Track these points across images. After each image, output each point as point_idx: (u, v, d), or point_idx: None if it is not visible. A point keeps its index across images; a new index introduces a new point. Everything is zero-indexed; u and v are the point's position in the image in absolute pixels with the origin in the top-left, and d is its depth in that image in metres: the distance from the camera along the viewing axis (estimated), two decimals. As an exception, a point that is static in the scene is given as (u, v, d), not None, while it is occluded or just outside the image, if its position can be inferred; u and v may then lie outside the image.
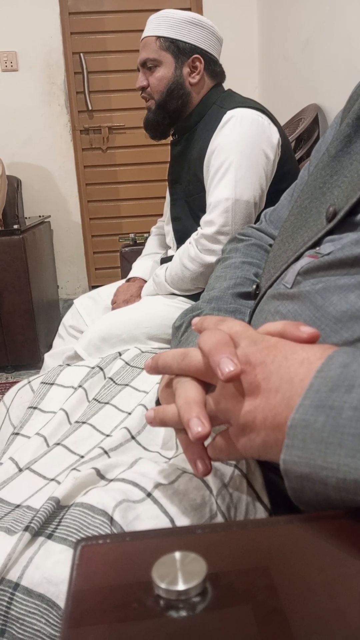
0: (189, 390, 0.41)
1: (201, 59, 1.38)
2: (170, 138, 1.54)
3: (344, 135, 0.56)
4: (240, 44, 3.07)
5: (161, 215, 1.72)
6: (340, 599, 0.25)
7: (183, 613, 0.24)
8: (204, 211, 1.35)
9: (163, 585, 0.25)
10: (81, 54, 3.04)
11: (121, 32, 3.05)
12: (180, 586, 0.24)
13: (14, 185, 2.81)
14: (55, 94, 3.08)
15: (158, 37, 1.37)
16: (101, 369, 0.82)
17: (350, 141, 0.55)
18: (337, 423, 0.31)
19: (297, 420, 0.33)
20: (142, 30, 1.42)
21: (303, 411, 0.33)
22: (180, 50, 1.37)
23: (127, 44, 3.03)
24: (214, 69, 1.43)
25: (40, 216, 2.92)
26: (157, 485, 0.49)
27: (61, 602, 0.41)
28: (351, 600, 0.25)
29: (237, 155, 1.29)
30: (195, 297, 1.38)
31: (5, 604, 0.42)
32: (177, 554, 0.26)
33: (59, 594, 0.41)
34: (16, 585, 0.43)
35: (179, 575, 0.25)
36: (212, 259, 1.30)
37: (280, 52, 2.75)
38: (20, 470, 0.61)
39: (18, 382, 0.85)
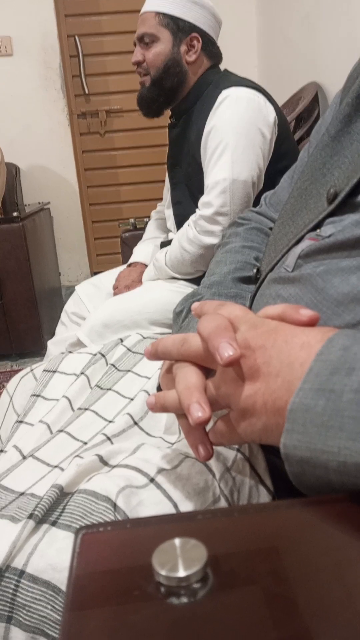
0: (189, 376, 0.41)
1: (199, 38, 1.36)
2: (169, 121, 1.52)
3: (344, 115, 0.55)
4: (239, 21, 3.01)
5: (161, 199, 1.71)
6: (344, 582, 0.25)
7: (184, 599, 0.24)
8: (203, 193, 1.34)
9: (163, 572, 0.25)
10: (76, 37, 2.99)
11: (116, 13, 2.99)
12: (181, 573, 0.24)
13: (13, 172, 2.78)
14: (51, 79, 3.04)
15: (158, 13, 1.35)
16: (103, 355, 0.82)
17: (350, 121, 0.54)
18: (338, 406, 0.31)
19: (297, 404, 0.32)
20: (137, 11, 1.39)
21: (303, 395, 0.32)
22: (179, 28, 1.35)
23: (123, 25, 2.97)
24: (211, 49, 1.41)
25: (39, 203, 2.91)
26: (160, 471, 0.49)
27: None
28: (354, 583, 0.25)
29: (233, 135, 1.27)
30: (196, 281, 1.38)
31: (11, 591, 0.42)
32: (177, 541, 0.26)
33: (64, 580, 0.42)
34: (21, 573, 0.43)
35: (180, 561, 0.25)
36: (211, 240, 1.29)
37: (280, 29, 2.70)
38: (24, 457, 0.61)
39: (22, 369, 0.86)
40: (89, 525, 0.32)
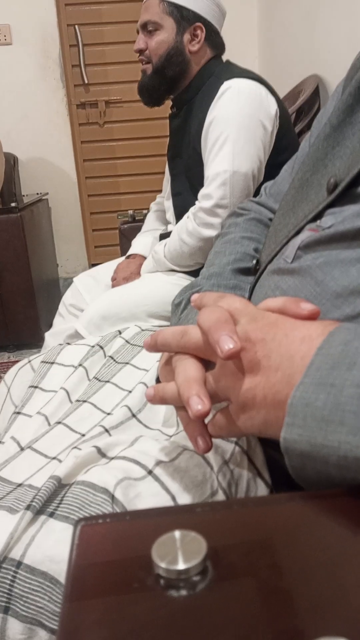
0: (188, 368, 0.40)
1: (203, 27, 1.35)
2: (169, 111, 1.51)
3: (347, 105, 0.54)
4: (240, 13, 2.98)
5: (160, 191, 1.70)
6: (342, 577, 0.25)
7: (183, 592, 0.24)
8: (203, 185, 1.33)
9: (163, 565, 0.24)
10: (76, 26, 2.97)
11: (116, 3, 2.97)
12: (181, 565, 0.24)
13: (11, 163, 2.76)
14: (50, 68, 3.01)
15: (162, 1, 1.34)
16: (101, 347, 0.81)
17: (353, 111, 0.53)
18: (338, 401, 0.30)
19: (297, 398, 0.32)
20: (137, 0, 1.38)
21: (304, 389, 0.32)
22: (183, 16, 1.34)
23: (123, 15, 2.95)
24: (215, 40, 1.40)
25: (38, 193, 2.89)
26: (158, 463, 0.49)
27: (64, 580, 0.41)
28: (353, 578, 0.25)
29: (234, 127, 1.26)
30: (195, 273, 1.37)
31: (8, 582, 0.42)
32: (177, 533, 0.26)
33: (61, 572, 0.42)
34: (19, 564, 0.43)
35: (179, 554, 0.25)
36: (210, 232, 1.29)
37: (281, 22, 2.68)
38: (22, 449, 0.61)
39: (19, 361, 0.85)
40: (88, 517, 0.32)
